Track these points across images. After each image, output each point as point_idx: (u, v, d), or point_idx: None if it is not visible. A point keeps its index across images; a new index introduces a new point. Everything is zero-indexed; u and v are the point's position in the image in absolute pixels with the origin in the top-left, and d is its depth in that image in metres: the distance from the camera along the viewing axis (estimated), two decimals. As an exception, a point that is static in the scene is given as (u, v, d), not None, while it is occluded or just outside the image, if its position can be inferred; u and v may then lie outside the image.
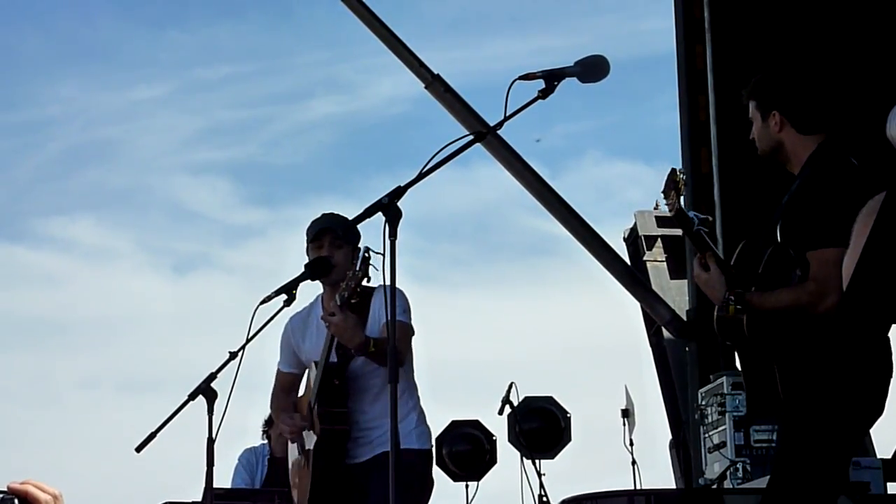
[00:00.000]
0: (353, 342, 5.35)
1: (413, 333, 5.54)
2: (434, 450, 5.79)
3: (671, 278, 11.04)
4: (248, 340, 5.20)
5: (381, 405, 5.44)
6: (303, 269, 5.58)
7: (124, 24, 17.27)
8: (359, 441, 5.57)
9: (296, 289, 5.57)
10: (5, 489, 2.09)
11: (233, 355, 5.23)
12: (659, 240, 11.58)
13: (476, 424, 8.70)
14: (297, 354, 5.85)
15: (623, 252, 11.00)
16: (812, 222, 4.41)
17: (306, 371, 5.85)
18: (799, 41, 9.06)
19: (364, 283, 5.19)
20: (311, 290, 5.86)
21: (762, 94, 4.72)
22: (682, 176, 4.58)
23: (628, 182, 18.40)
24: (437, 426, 8.26)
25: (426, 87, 9.32)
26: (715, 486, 7.83)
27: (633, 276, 9.29)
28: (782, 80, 4.73)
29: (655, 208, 12.03)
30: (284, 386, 5.90)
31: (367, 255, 5.04)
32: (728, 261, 4.69)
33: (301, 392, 5.91)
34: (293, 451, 5.89)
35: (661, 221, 11.73)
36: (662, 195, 4.65)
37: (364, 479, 5.47)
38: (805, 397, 4.41)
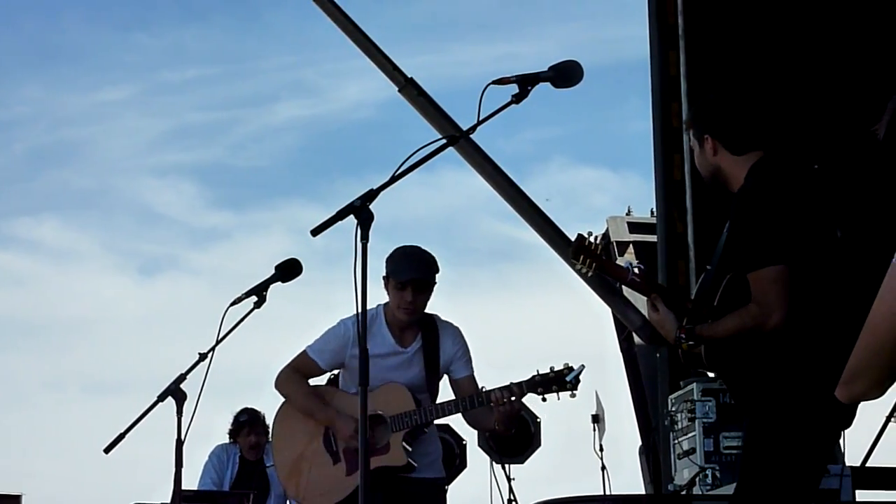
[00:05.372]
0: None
1: None
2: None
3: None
4: (217, 342, 5.18)
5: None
6: (273, 271, 5.55)
7: (90, 27, 17.24)
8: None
9: (266, 290, 5.55)
10: None
11: (202, 356, 5.21)
12: (631, 245, 11.60)
13: (446, 428, 8.67)
14: (340, 356, 5.86)
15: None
16: (745, 246, 4.44)
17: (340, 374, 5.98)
18: (773, 48, 9.09)
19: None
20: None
21: (695, 121, 4.76)
22: (593, 239, 4.61)
23: (593, 188, 18.46)
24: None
25: (399, 91, 9.31)
26: (684, 493, 7.84)
27: (604, 282, 9.28)
28: (711, 106, 4.77)
29: (627, 214, 12.05)
30: (305, 373, 5.92)
31: (579, 376, 5.64)
32: (684, 295, 4.73)
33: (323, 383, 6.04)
34: (309, 440, 5.90)
35: (633, 227, 11.75)
36: (573, 260, 4.61)
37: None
38: (769, 408, 4.42)
